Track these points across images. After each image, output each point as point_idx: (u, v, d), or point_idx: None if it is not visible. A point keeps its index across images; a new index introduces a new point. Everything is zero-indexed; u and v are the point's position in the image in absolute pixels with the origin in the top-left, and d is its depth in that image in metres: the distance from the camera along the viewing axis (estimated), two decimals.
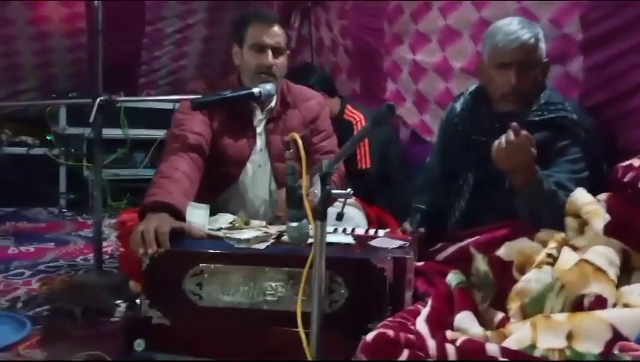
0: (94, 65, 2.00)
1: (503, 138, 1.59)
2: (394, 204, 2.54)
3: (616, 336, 1.13)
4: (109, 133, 3.44)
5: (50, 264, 2.53)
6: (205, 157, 1.91)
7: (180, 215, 1.64)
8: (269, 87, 1.90)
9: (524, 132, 1.57)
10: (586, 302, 1.30)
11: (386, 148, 2.79)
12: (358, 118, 2.78)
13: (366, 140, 2.72)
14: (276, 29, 1.98)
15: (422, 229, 2.00)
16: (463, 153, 1.99)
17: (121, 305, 1.83)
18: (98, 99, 1.91)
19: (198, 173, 1.85)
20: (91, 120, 1.90)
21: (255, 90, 1.87)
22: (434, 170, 2.20)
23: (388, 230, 1.93)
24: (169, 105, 3.28)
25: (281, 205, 1.90)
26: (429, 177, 2.22)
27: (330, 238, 1.63)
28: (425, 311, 1.37)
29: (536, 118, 1.84)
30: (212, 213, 1.80)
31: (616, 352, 0.63)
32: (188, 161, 1.83)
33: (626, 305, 1.26)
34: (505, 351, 1.13)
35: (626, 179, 1.51)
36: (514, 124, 1.57)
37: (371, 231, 1.84)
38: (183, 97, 1.92)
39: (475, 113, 1.99)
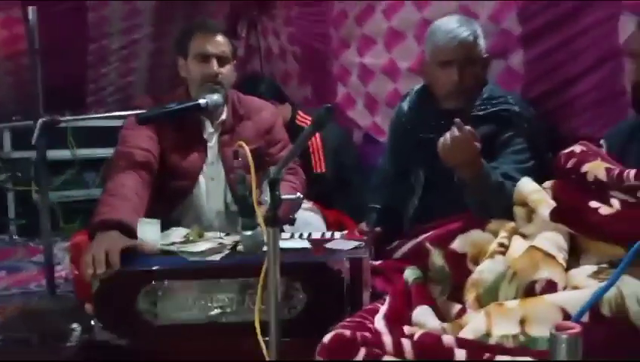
0: (34, 85, 1.94)
1: (447, 135, 1.62)
2: (351, 206, 2.56)
3: (567, 318, 1.16)
4: (57, 154, 3.35)
5: (3, 293, 2.45)
6: (153, 173, 1.88)
7: (130, 232, 1.61)
8: (215, 97, 1.88)
9: (467, 127, 1.60)
10: (538, 287, 1.33)
11: (340, 151, 2.80)
12: (310, 122, 2.79)
13: (319, 145, 2.73)
14: (219, 38, 1.97)
15: (378, 229, 2.01)
16: (413, 151, 2.02)
17: (77, 329, 1.78)
18: (40, 121, 1.86)
19: (147, 190, 1.82)
20: (34, 142, 1.85)
21: (201, 101, 1.85)
22: (386, 170, 2.22)
23: (344, 232, 1.94)
24: (118, 123, 3.21)
25: None
26: (382, 177, 2.25)
27: (285, 244, 1.63)
28: (383, 309, 1.38)
29: (480, 113, 1.88)
30: (167, 228, 1.77)
31: (552, 332, 0.64)
32: (135, 177, 1.80)
33: (575, 287, 1.30)
34: (461, 342, 1.15)
35: (568, 166, 1.55)
36: (457, 120, 1.61)
37: (328, 234, 1.84)
38: (127, 113, 1.89)
39: (422, 111, 2.02)
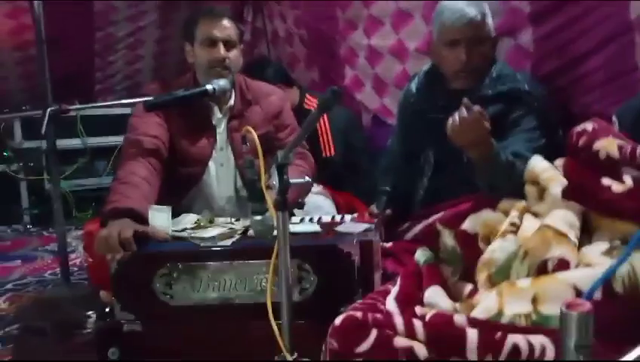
0: (42, 75, 1.95)
1: (456, 115, 1.60)
2: (361, 189, 2.56)
3: (579, 296, 1.15)
4: (67, 143, 3.38)
5: (18, 282, 2.48)
6: (163, 161, 1.89)
7: (142, 219, 1.62)
8: (222, 82, 1.88)
9: (476, 107, 1.58)
10: (550, 266, 1.32)
11: (349, 134, 2.80)
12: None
13: (328, 128, 2.72)
14: (226, 22, 1.96)
15: (388, 211, 2.01)
16: (422, 132, 2.01)
17: (92, 316, 1.80)
18: (48, 110, 1.87)
19: (157, 177, 1.83)
20: (43, 131, 1.86)
21: (209, 86, 1.85)
22: (396, 152, 2.21)
23: (355, 215, 1.94)
24: (127, 111, 3.22)
25: None
26: (391, 159, 2.24)
27: (295, 228, 1.64)
28: (394, 290, 1.38)
29: (489, 92, 1.86)
30: (178, 215, 1.78)
31: (563, 310, 0.64)
32: (145, 165, 1.81)
33: (587, 265, 1.29)
34: (472, 321, 1.15)
35: (580, 144, 1.53)
36: (465, 100, 1.59)
37: (338, 217, 1.85)
38: (135, 100, 1.89)
39: (430, 92, 2.01)
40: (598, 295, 1.17)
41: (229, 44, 1.96)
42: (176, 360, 1.53)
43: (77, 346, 1.71)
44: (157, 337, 1.53)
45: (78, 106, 2.15)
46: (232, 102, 2.03)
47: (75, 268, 2.52)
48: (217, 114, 2.02)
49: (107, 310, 1.59)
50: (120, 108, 3.04)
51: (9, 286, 2.43)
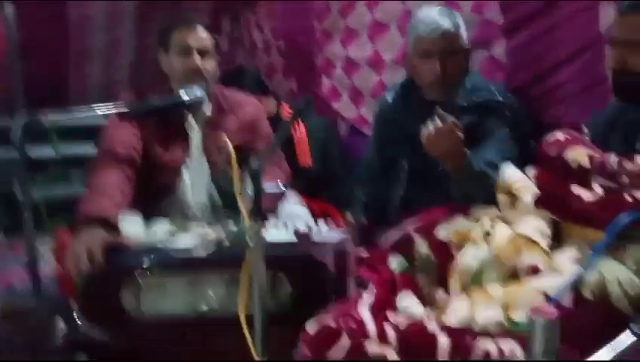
0: (14, 84, 1.92)
1: (430, 125, 1.62)
2: (337, 198, 2.55)
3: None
4: (40, 152, 3.32)
5: None
6: (136, 170, 1.87)
7: (114, 228, 1.60)
8: (197, 91, 1.87)
9: (450, 118, 1.60)
10: (521, 273, 1.34)
11: (326, 143, 2.79)
12: None
13: (305, 137, 2.72)
14: (201, 31, 1.96)
15: (363, 219, 2.02)
16: (397, 142, 2.03)
17: (63, 327, 1.76)
18: (19, 119, 1.83)
19: (130, 186, 1.81)
20: (13, 140, 1.82)
21: (184, 96, 1.84)
22: (371, 161, 2.23)
23: (331, 224, 1.93)
24: (103, 120, 3.19)
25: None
26: (367, 168, 2.25)
27: (270, 237, 1.63)
28: (368, 297, 1.38)
29: (464, 103, 1.89)
30: (150, 223, 1.76)
31: (529, 315, 0.65)
32: (118, 174, 1.79)
33: (558, 272, 1.31)
34: (444, 328, 1.15)
35: (552, 153, 1.56)
36: (439, 111, 1.61)
37: (313, 226, 1.84)
38: (109, 110, 1.87)
39: (406, 103, 2.03)
40: (568, 302, 1.18)
41: (203, 53, 1.96)
42: None
43: (46, 356, 1.67)
44: (129, 349, 1.51)
45: (51, 116, 2.11)
46: (207, 111, 2.02)
47: (46, 279, 2.47)
48: (192, 123, 2.01)
49: (77, 321, 1.56)
50: (95, 117, 3.00)
51: None
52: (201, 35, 1.96)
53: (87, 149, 3.40)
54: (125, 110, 1.81)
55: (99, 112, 2.00)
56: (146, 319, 1.51)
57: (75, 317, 1.63)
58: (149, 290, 1.51)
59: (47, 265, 2.69)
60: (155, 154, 1.95)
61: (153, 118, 1.93)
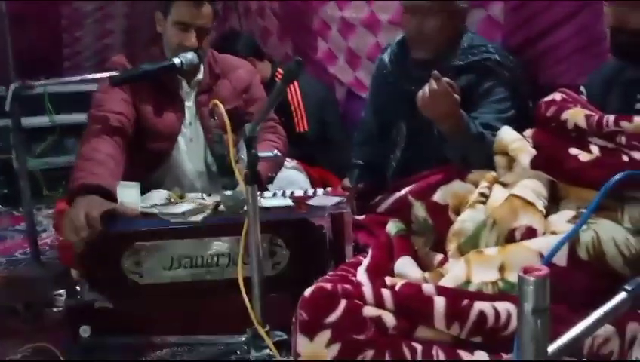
0: (4, 50, 1.89)
1: (426, 87, 1.60)
2: (335, 163, 2.55)
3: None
4: (35, 121, 3.30)
5: None
6: (128, 137, 1.85)
7: (110, 196, 1.59)
8: (189, 55, 1.83)
9: (445, 79, 1.58)
10: (518, 234, 1.34)
11: (323, 108, 2.78)
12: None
13: (301, 103, 2.70)
14: (204, 9, 1.87)
15: (361, 184, 2.02)
16: (394, 104, 2.00)
17: (63, 295, 1.78)
18: (11, 86, 1.81)
19: (123, 154, 1.79)
20: (7, 108, 1.81)
21: (176, 60, 1.81)
22: (369, 124, 2.21)
23: (328, 189, 1.93)
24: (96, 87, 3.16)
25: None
26: (365, 132, 2.24)
27: (267, 202, 1.63)
28: (365, 262, 1.39)
29: (461, 62, 1.86)
30: (148, 191, 1.76)
31: (520, 275, 0.65)
32: (110, 142, 1.77)
33: (554, 233, 1.31)
34: (440, 290, 1.16)
35: (549, 114, 1.55)
36: (434, 72, 1.59)
37: (310, 191, 1.84)
38: (100, 76, 1.84)
39: (402, 63, 2.00)
40: (562, 262, 1.19)
41: (202, 32, 1.89)
42: (149, 336, 1.52)
43: (48, 325, 1.69)
44: (128, 314, 1.52)
45: (42, 82, 2.09)
46: (200, 76, 1.99)
47: (46, 248, 2.49)
48: (185, 88, 1.99)
49: (77, 288, 1.57)
50: (88, 84, 2.97)
51: None
52: (204, 14, 1.87)
53: (83, 118, 3.38)
54: (116, 76, 1.78)
55: (91, 79, 1.99)
56: (145, 285, 1.52)
57: (76, 284, 1.64)
58: (148, 256, 1.52)
59: (48, 234, 2.72)
60: (149, 121, 1.93)
61: (145, 84, 1.90)
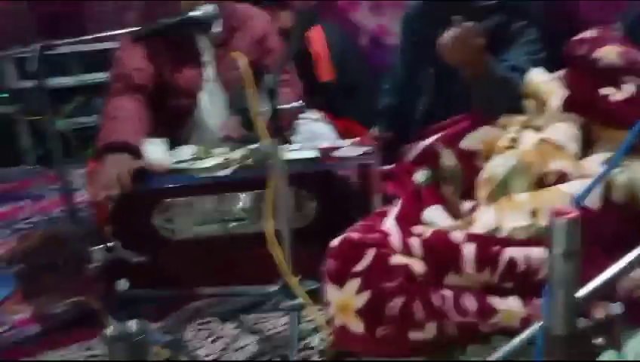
0: (22, 10, 1.88)
1: (448, 33, 1.56)
2: (361, 112, 2.51)
3: None
4: (62, 81, 3.33)
5: (28, 220, 2.51)
6: (151, 94, 1.85)
7: (137, 153, 1.61)
8: (209, 7, 1.80)
9: (468, 23, 1.53)
10: (549, 179, 1.31)
11: (347, 56, 2.72)
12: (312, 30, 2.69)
13: (325, 52, 2.64)
14: None
15: (388, 133, 1.99)
16: (423, 49, 1.95)
17: (100, 251, 1.82)
18: (35, 47, 1.81)
19: (146, 111, 1.80)
20: (32, 68, 1.82)
21: (194, 12, 1.78)
22: (397, 72, 2.17)
23: (354, 139, 1.91)
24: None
25: (232, 126, 1.87)
26: (392, 79, 2.19)
27: (294, 155, 1.63)
28: (394, 211, 1.38)
29: (490, 2, 1.79)
30: (173, 148, 1.77)
31: (552, 218, 0.63)
32: (132, 99, 1.78)
33: (587, 176, 1.28)
34: (470, 237, 1.15)
35: (580, 53, 1.49)
36: (456, 17, 1.53)
37: (337, 143, 1.83)
38: (118, 32, 1.83)
39: (430, 7, 1.94)
40: (596, 204, 1.16)
41: None
42: (183, 289, 1.56)
43: (86, 280, 1.74)
44: (162, 269, 1.56)
45: (65, 41, 2.09)
46: (217, 29, 1.95)
47: (82, 206, 2.54)
48: (203, 43, 1.96)
49: (112, 244, 1.60)
50: (110, 42, 2.97)
51: (20, 224, 2.46)
52: None
53: (108, 77, 3.40)
54: (136, 31, 1.76)
55: (111, 35, 1.98)
56: (177, 239, 1.54)
57: (110, 241, 1.68)
58: (178, 212, 1.54)
59: (83, 193, 2.78)
60: (170, 78, 1.92)
61: (163, 41, 1.88)
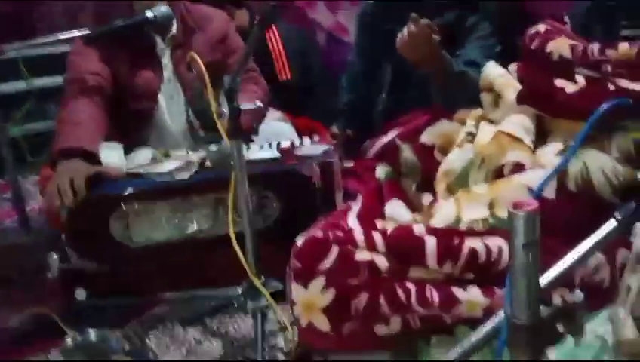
0: None
1: (404, 30, 1.57)
2: (321, 111, 2.52)
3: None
4: (12, 87, 3.23)
5: None
6: (107, 98, 1.81)
7: (93, 158, 1.57)
8: (163, 8, 1.77)
9: (423, 20, 1.55)
10: (506, 171, 1.33)
11: (305, 55, 2.72)
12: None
13: (282, 50, 2.63)
14: None
15: (349, 130, 2.00)
16: (379, 46, 1.97)
17: (55, 261, 1.77)
18: None
19: (102, 114, 1.76)
20: None
21: (149, 13, 1.74)
22: (355, 68, 2.18)
23: (315, 138, 1.91)
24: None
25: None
26: (351, 76, 2.21)
27: (254, 155, 1.62)
28: (356, 207, 1.39)
29: None
30: (131, 151, 1.73)
31: (510, 209, 0.65)
32: (89, 103, 1.73)
33: (542, 167, 1.31)
34: (431, 230, 1.16)
35: (533, 46, 1.52)
36: (413, 14, 1.56)
37: (297, 142, 1.82)
38: (70, 35, 1.78)
39: (385, 3, 1.95)
40: (551, 194, 1.19)
41: None
42: (145, 295, 1.53)
43: (44, 291, 1.69)
44: (122, 277, 1.52)
45: (15, 45, 2.02)
46: (174, 30, 1.93)
47: (35, 215, 2.47)
48: (160, 44, 1.92)
49: (68, 254, 1.56)
50: (62, 45, 2.89)
51: None
52: None
53: (60, 81, 3.30)
54: (89, 34, 1.72)
55: (63, 39, 1.92)
56: (135, 246, 1.51)
57: (67, 250, 1.63)
58: (137, 218, 1.50)
59: (36, 201, 2.70)
60: (127, 80, 1.88)
61: (120, 42, 1.84)
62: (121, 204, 1.49)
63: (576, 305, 0.76)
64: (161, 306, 1.53)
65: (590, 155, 1.21)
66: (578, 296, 0.83)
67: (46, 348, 1.46)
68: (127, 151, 1.72)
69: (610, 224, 0.81)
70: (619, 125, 1.29)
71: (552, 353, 0.84)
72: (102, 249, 1.51)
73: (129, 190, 1.51)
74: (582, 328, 0.75)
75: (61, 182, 1.47)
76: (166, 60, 1.93)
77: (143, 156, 1.68)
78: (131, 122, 1.92)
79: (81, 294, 1.52)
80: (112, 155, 1.60)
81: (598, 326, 0.92)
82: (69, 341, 1.24)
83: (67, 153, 1.56)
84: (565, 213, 1.17)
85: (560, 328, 0.73)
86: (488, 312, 1.01)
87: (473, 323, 1.02)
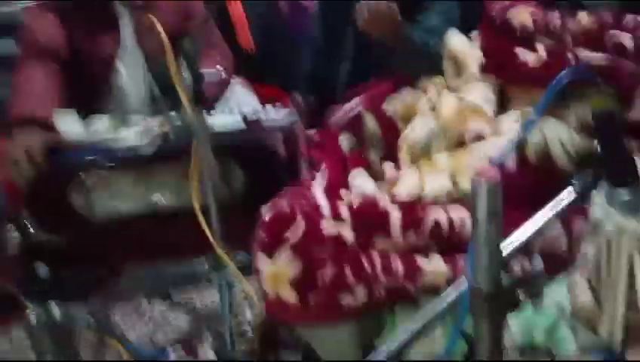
0: None
1: (364, 5, 1.57)
2: (283, 78, 2.49)
3: None
4: None
5: None
6: (64, 63, 1.75)
7: (50, 127, 1.52)
8: None
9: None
10: (467, 140, 1.35)
11: (266, 22, 2.67)
12: None
13: (243, 18, 2.58)
14: None
15: (311, 99, 1.99)
16: (341, 13, 1.95)
17: (14, 234, 1.73)
18: None
19: (59, 81, 1.69)
20: None
21: None
22: (317, 36, 2.15)
23: (277, 105, 1.89)
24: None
25: None
26: (313, 43, 2.18)
27: (217, 125, 1.59)
28: (320, 177, 1.39)
29: None
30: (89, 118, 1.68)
31: (473, 180, 0.65)
32: (44, 69, 1.67)
33: (500, 134, 1.33)
34: (396, 202, 1.18)
35: (494, 13, 1.53)
36: None
37: (260, 110, 1.80)
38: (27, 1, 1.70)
39: None
40: (511, 164, 1.22)
41: None
42: (108, 268, 1.51)
43: (2, 265, 1.65)
44: (84, 250, 1.49)
45: None
46: None
47: None
48: (119, 9, 1.86)
49: (29, 227, 1.52)
50: (14, 7, 2.76)
51: None
52: None
53: (13, 48, 3.16)
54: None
55: (17, 4, 1.84)
56: (98, 218, 1.48)
57: (26, 223, 1.59)
58: (97, 189, 1.47)
59: None
60: (84, 46, 1.81)
61: (75, 4, 1.77)
62: (81, 174, 1.45)
63: (535, 273, 0.78)
64: (126, 280, 1.52)
65: (549, 126, 1.24)
66: (537, 261, 0.86)
67: (4, 323, 1.44)
68: (85, 118, 1.67)
69: (569, 193, 0.83)
70: (578, 94, 1.31)
71: (512, 319, 0.87)
72: (63, 221, 1.47)
73: (89, 159, 1.47)
74: (541, 295, 0.77)
75: (17, 152, 1.43)
76: (125, 24, 1.87)
77: (100, 123, 1.63)
78: (89, 88, 1.85)
79: (43, 270, 1.48)
80: (68, 123, 1.55)
81: (556, 294, 0.96)
82: (31, 316, 1.22)
83: (21, 122, 1.51)
84: (524, 183, 1.20)
85: (520, 295, 0.75)
86: (452, 282, 1.03)
87: (437, 293, 1.04)
